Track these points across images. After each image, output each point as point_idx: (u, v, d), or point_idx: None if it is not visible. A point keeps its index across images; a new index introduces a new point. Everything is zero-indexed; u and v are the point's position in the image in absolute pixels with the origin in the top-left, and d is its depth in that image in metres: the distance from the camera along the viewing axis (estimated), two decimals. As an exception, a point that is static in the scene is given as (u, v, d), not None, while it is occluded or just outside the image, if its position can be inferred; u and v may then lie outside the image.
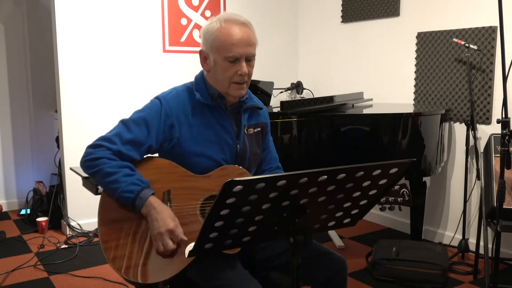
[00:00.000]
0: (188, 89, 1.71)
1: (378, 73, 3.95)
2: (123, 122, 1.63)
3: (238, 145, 1.72)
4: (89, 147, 1.60)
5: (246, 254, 1.67)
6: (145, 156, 1.65)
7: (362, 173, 1.23)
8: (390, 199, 1.78)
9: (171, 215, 1.53)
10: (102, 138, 1.60)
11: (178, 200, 1.58)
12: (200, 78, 1.73)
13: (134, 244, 1.53)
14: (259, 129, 1.82)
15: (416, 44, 3.61)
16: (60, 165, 3.84)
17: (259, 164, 1.86)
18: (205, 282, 1.56)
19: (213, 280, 1.53)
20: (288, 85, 4.29)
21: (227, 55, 1.59)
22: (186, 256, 1.48)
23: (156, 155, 1.74)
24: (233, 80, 1.62)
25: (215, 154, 1.67)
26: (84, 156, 1.60)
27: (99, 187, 1.63)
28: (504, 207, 2.41)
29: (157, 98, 1.67)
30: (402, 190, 1.78)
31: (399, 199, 1.78)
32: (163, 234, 1.49)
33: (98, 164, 1.55)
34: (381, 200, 1.75)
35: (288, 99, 3.89)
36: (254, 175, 1.85)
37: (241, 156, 1.73)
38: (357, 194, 1.30)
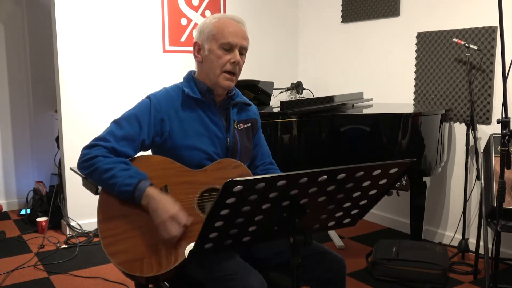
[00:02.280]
0: (177, 87, 1.78)
1: (378, 73, 3.95)
2: (115, 122, 1.68)
3: (228, 139, 1.76)
4: (85, 148, 1.64)
5: (244, 254, 1.67)
6: (141, 155, 1.67)
7: (362, 173, 1.23)
8: None
9: (171, 202, 1.54)
10: (96, 138, 1.65)
11: (175, 194, 1.61)
12: (189, 76, 1.81)
13: (134, 238, 1.54)
14: (249, 124, 1.86)
15: (416, 44, 3.61)
16: (60, 165, 3.85)
17: (252, 159, 1.90)
18: (205, 274, 1.57)
19: (213, 272, 1.54)
20: (288, 85, 4.29)
21: (223, 41, 1.67)
22: (186, 256, 1.49)
23: (151, 153, 1.76)
24: (225, 68, 1.69)
25: (206, 147, 1.71)
26: (80, 158, 1.63)
27: (99, 187, 1.64)
28: (504, 207, 2.42)
29: (147, 97, 1.73)
30: None
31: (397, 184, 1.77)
32: (165, 221, 1.51)
33: (94, 163, 1.58)
34: None
35: (288, 99, 3.89)
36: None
37: (232, 150, 1.77)
38: (357, 194, 1.30)
